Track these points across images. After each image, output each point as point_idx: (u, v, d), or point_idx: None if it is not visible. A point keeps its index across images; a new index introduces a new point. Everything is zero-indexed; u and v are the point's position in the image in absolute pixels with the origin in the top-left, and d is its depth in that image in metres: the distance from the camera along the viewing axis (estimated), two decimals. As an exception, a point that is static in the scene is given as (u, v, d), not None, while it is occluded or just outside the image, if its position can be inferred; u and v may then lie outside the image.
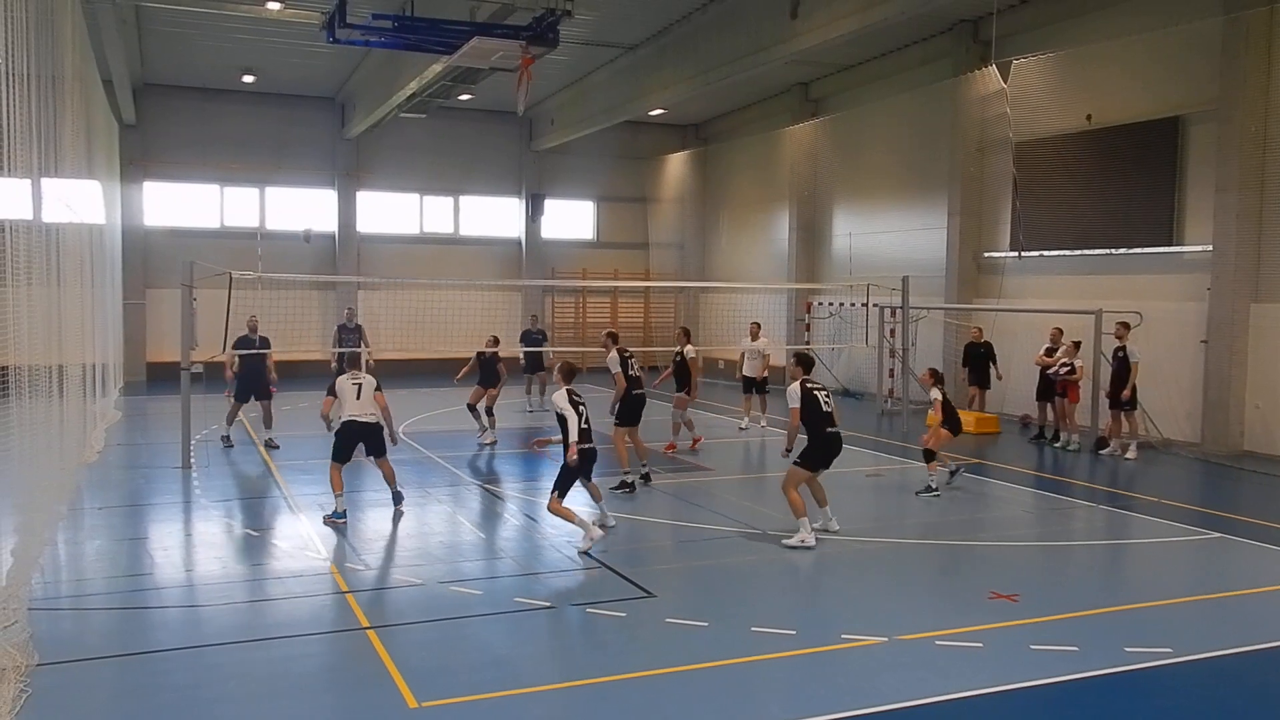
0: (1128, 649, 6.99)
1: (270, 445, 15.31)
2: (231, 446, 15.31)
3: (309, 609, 8.00)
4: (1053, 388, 16.21)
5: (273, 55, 22.02)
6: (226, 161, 26.07)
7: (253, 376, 15.29)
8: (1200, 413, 15.76)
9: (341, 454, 10.84)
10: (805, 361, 10.44)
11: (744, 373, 18.35)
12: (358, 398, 10.75)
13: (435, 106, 22.83)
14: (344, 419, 10.83)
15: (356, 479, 13.54)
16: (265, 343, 15.48)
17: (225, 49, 21.50)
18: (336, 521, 10.53)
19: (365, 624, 7.46)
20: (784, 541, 9.84)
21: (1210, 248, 15.54)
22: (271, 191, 26.95)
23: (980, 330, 18.50)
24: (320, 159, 27.02)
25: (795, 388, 10.03)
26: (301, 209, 26.87)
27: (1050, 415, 16.55)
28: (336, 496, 10.71)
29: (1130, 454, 15.05)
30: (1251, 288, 15.20)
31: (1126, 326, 15.19)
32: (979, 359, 18.22)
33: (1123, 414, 15.18)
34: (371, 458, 11.09)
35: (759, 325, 18.43)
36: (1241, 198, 15.01)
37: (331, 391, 10.91)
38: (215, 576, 8.88)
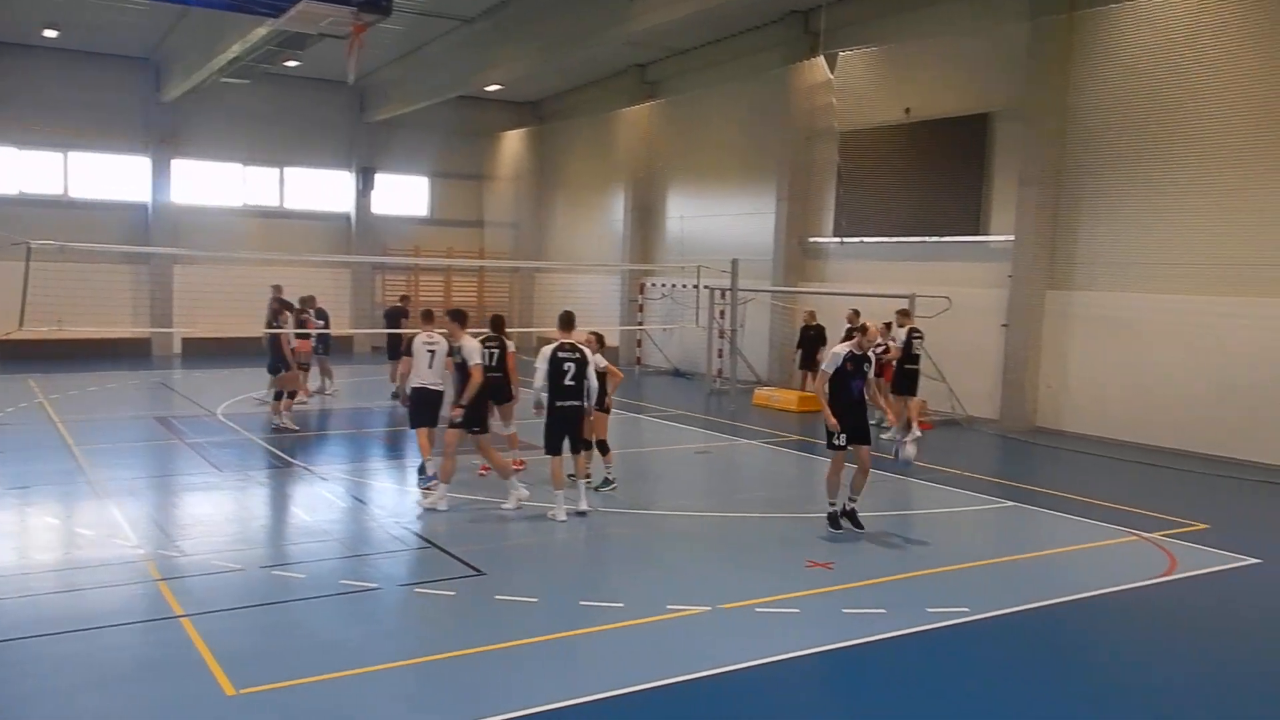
0: (930, 609, 7.51)
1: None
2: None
3: (118, 599, 7.59)
4: None
5: (78, 9, 20.50)
6: (25, 122, 24.08)
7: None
8: (1000, 392, 16.93)
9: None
10: (562, 321, 10.23)
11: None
12: (430, 366, 10.67)
13: (260, 72, 21.79)
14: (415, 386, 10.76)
15: (172, 461, 12.92)
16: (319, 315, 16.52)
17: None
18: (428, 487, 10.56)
19: (179, 612, 7.15)
20: (502, 506, 10.15)
21: (1012, 237, 16.66)
22: (76, 156, 25.09)
23: (813, 313, 19.19)
24: (132, 123, 25.34)
25: (546, 350, 9.94)
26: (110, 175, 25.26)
27: None
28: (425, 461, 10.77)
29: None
30: (1047, 275, 16.39)
31: (906, 314, 15.17)
32: (810, 342, 18.93)
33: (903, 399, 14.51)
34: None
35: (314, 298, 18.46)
36: (1040, 191, 16.15)
37: (408, 352, 10.93)
38: (12, 567, 8.31)
